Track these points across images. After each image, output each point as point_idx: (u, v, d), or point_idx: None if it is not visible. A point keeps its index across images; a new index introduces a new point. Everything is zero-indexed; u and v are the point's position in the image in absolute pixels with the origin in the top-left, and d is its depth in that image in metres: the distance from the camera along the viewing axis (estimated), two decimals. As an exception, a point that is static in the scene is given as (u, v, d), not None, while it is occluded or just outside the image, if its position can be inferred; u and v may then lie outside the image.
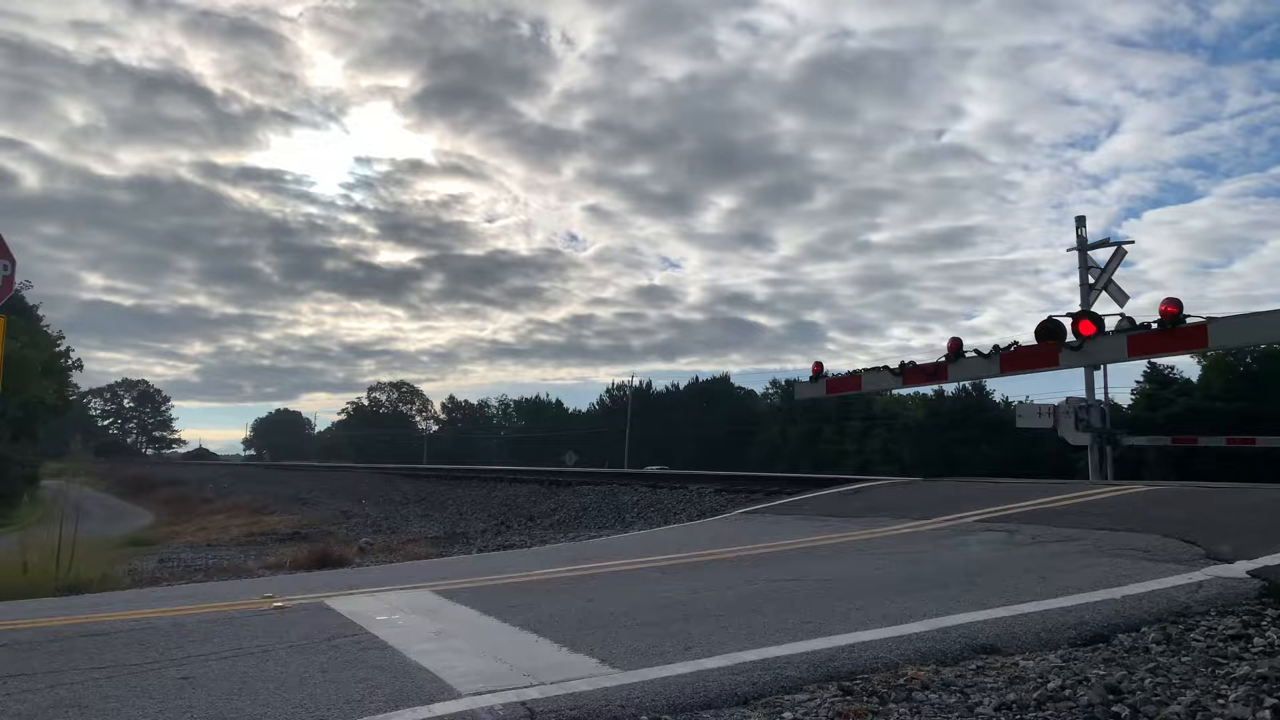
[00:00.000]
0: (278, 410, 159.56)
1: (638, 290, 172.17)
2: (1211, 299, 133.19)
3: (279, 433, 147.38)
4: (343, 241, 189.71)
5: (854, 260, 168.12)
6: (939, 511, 8.57)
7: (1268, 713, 2.77)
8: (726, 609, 4.55)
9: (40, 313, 48.66)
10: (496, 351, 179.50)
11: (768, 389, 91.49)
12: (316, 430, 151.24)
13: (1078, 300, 15.36)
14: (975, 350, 13.66)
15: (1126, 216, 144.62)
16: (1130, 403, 51.01)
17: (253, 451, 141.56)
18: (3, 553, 9.97)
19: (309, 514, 23.43)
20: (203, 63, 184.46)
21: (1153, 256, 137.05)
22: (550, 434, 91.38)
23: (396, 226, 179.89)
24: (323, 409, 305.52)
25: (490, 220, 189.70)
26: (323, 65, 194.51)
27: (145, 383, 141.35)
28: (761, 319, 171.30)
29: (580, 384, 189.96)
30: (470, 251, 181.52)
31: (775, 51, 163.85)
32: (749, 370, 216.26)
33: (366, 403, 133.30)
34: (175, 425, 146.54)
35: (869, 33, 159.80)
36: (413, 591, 5.66)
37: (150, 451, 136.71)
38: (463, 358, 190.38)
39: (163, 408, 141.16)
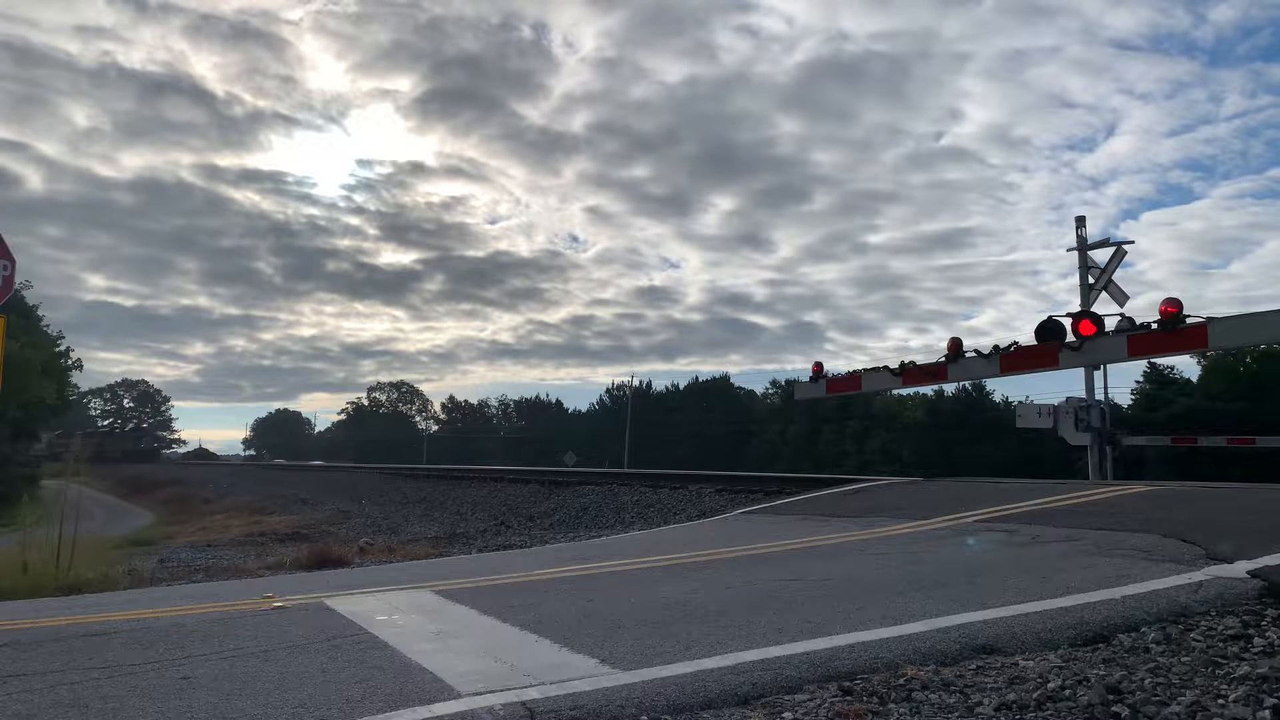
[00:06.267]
0: (278, 410, 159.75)
1: (637, 291, 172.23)
2: (1209, 300, 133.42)
3: (279, 433, 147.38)
4: (344, 243, 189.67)
5: (853, 261, 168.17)
6: (939, 511, 8.56)
7: (1268, 713, 2.77)
8: (726, 609, 4.55)
9: (41, 313, 48.72)
10: (496, 352, 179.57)
11: (767, 389, 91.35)
12: (316, 430, 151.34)
13: (1076, 301, 15.37)
14: (975, 350, 13.66)
15: (1124, 218, 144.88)
16: (1130, 403, 51.02)
17: (253, 451, 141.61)
18: (3, 553, 9.96)
19: (309, 514, 23.41)
20: (205, 66, 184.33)
21: (1151, 258, 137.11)
22: (550, 434, 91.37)
23: (398, 228, 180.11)
24: (323, 409, 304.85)
25: (492, 222, 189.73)
26: (324, 68, 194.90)
27: (145, 383, 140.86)
28: (761, 319, 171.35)
29: (580, 384, 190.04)
30: (471, 253, 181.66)
31: (774, 54, 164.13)
32: (748, 370, 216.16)
33: (366, 403, 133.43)
34: (175, 425, 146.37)
35: (867, 36, 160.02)
36: (413, 591, 5.66)
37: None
38: (462, 358, 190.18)
39: (163, 408, 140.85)
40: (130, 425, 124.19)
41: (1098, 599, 4.29)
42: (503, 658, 3.69)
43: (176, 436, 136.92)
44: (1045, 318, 12.79)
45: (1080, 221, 15.67)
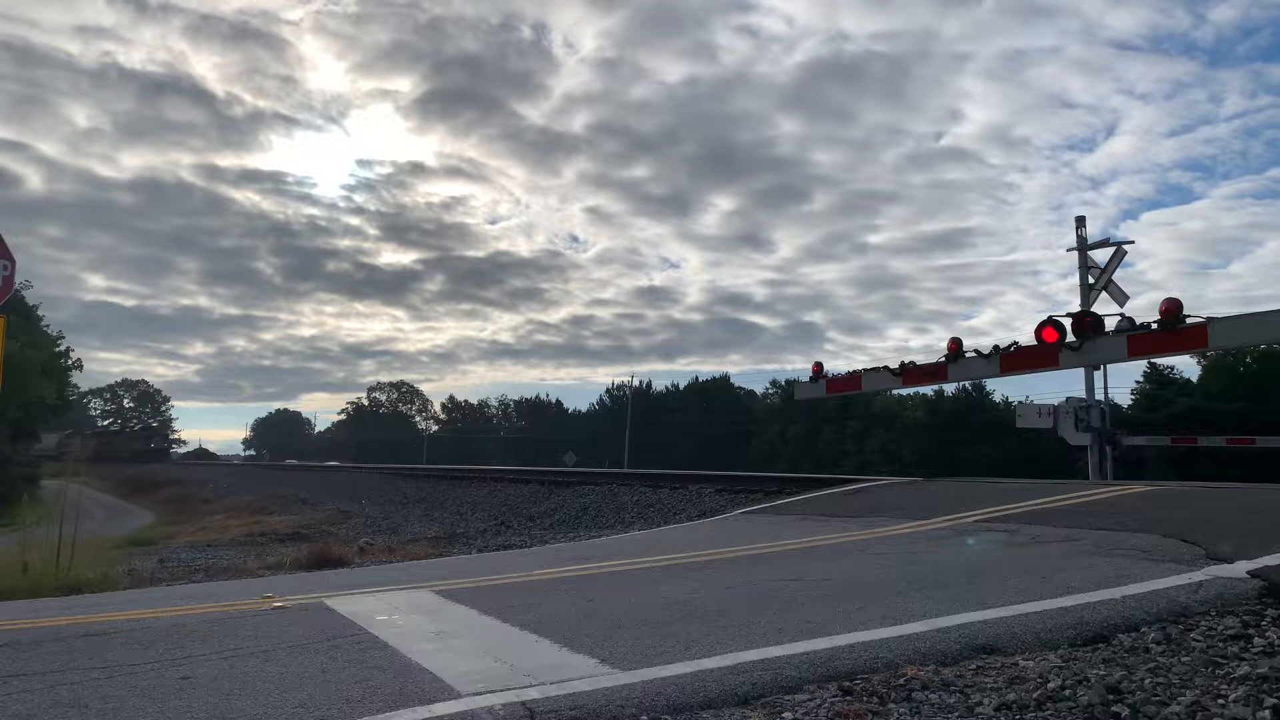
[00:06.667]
0: (278, 410, 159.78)
1: (637, 291, 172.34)
2: (1209, 300, 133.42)
3: (279, 433, 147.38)
4: (344, 243, 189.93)
5: (853, 261, 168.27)
6: (939, 511, 8.56)
7: (1268, 713, 2.77)
8: (726, 609, 4.55)
9: (41, 313, 48.75)
10: (496, 352, 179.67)
11: (767, 389, 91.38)
12: (316, 430, 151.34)
13: (1076, 301, 15.36)
14: (975, 350, 13.66)
15: (1124, 218, 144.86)
16: (1130, 403, 51.01)
17: (253, 451, 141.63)
18: (3, 553, 9.97)
19: (309, 514, 23.41)
20: (205, 66, 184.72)
21: (1150, 258, 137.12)
22: (550, 434, 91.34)
23: (398, 228, 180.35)
24: (323, 409, 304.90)
25: (492, 222, 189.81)
26: (324, 68, 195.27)
27: (145, 383, 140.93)
28: (761, 319, 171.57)
29: (580, 384, 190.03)
30: (471, 253, 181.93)
31: (774, 55, 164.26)
32: (748, 370, 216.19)
33: (366, 403, 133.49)
34: (175, 425, 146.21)
35: (867, 36, 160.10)
36: (413, 591, 5.65)
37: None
38: (462, 358, 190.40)
39: (163, 408, 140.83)
40: (139, 425, 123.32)
41: (1098, 599, 4.29)
42: (503, 658, 3.69)
43: (176, 436, 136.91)
44: (1045, 318, 12.81)
45: (1080, 221, 15.66)
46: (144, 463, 76.86)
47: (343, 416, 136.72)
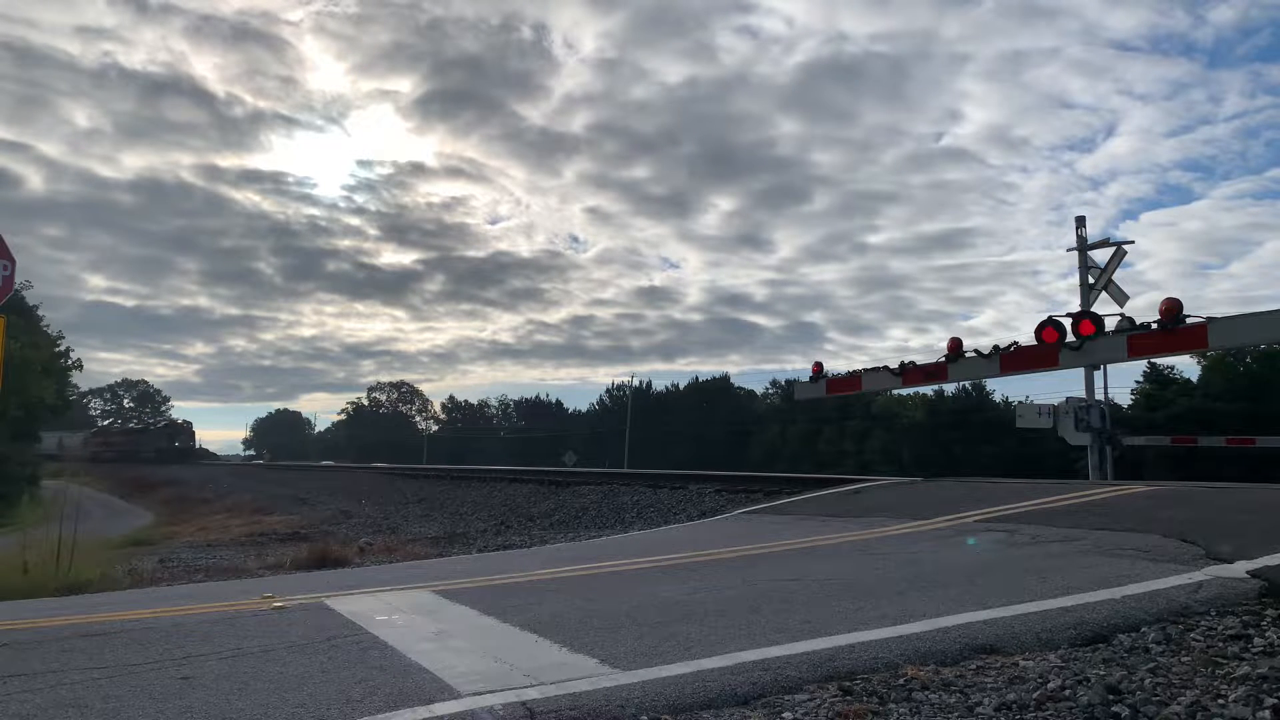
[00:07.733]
0: (278, 410, 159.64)
1: (637, 291, 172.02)
2: (1209, 300, 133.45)
3: (279, 433, 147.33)
4: (344, 243, 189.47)
5: (853, 261, 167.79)
6: (939, 511, 8.56)
7: (1268, 713, 2.77)
8: (726, 609, 4.56)
9: (41, 313, 48.73)
10: (496, 352, 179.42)
11: (767, 389, 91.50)
12: (316, 430, 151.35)
13: (1076, 301, 15.36)
14: (975, 350, 13.68)
15: (1124, 218, 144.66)
16: (1130, 403, 51.03)
17: (253, 451, 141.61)
18: (3, 553, 9.96)
19: (309, 514, 23.40)
20: (205, 67, 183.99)
21: (1150, 258, 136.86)
22: (550, 434, 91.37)
23: (398, 228, 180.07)
24: (323, 409, 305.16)
25: (492, 222, 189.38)
26: (325, 69, 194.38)
27: (145, 383, 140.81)
28: (761, 320, 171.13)
29: (580, 384, 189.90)
30: (472, 253, 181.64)
31: (774, 55, 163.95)
32: (748, 370, 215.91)
33: (366, 403, 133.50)
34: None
35: (866, 37, 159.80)
36: (413, 591, 5.66)
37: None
38: (462, 358, 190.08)
39: (163, 408, 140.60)
40: (164, 423, 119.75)
41: (1098, 599, 4.30)
42: (503, 658, 3.69)
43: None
44: (1045, 318, 12.82)
45: (1080, 221, 15.66)
46: (168, 463, 70.98)
47: (343, 416, 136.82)
